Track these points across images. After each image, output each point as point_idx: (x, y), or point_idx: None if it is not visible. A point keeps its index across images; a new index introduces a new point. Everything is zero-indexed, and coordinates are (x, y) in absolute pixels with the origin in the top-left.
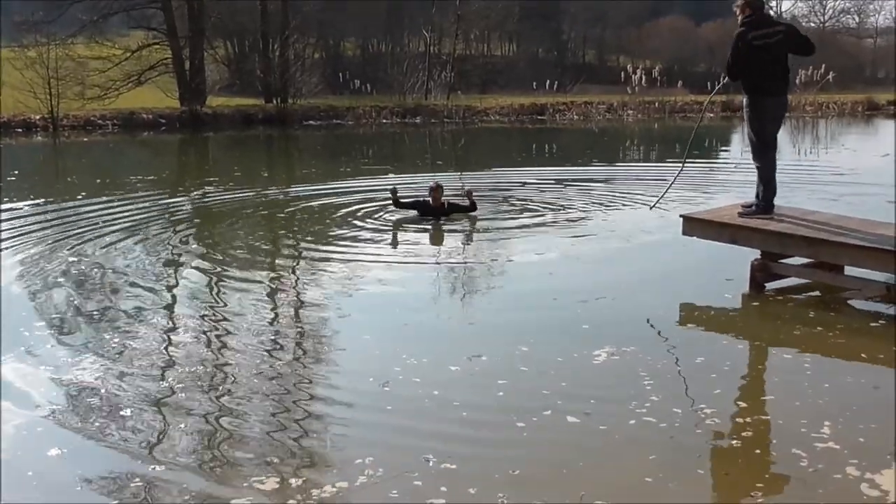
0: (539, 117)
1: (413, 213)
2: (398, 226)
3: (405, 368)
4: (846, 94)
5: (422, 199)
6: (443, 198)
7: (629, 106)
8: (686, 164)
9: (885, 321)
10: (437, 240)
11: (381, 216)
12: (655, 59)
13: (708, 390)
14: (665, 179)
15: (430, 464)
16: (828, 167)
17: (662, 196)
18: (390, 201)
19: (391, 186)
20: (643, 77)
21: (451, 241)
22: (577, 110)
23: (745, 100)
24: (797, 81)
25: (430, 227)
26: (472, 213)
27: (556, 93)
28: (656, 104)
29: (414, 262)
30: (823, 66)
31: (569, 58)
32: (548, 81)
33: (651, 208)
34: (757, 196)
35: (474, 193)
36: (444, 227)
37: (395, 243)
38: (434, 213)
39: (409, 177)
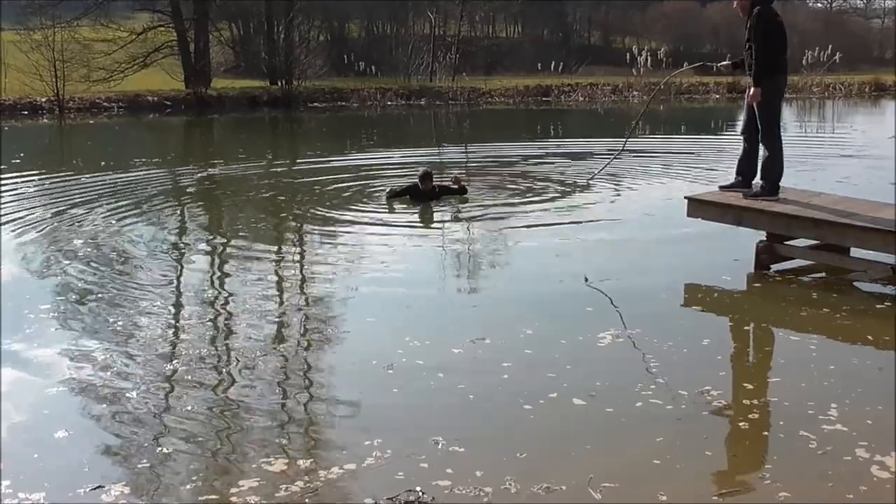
0: (544, 99)
1: (405, 197)
2: (392, 208)
3: (408, 351)
4: (853, 75)
5: (413, 185)
6: (433, 183)
7: (634, 87)
8: (636, 137)
9: (890, 303)
10: (440, 222)
11: (378, 197)
12: (661, 41)
13: (714, 372)
14: (670, 153)
15: (439, 446)
16: (835, 148)
17: (601, 171)
18: (389, 189)
19: (388, 189)
20: (648, 58)
21: (455, 223)
22: (582, 92)
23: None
24: (804, 62)
25: (430, 208)
26: (463, 196)
27: (562, 74)
28: (661, 86)
29: (417, 244)
30: (830, 46)
31: (574, 39)
32: (553, 63)
33: (588, 181)
34: (762, 177)
35: (466, 179)
36: (447, 209)
37: (391, 209)
38: (425, 198)
39: (414, 152)
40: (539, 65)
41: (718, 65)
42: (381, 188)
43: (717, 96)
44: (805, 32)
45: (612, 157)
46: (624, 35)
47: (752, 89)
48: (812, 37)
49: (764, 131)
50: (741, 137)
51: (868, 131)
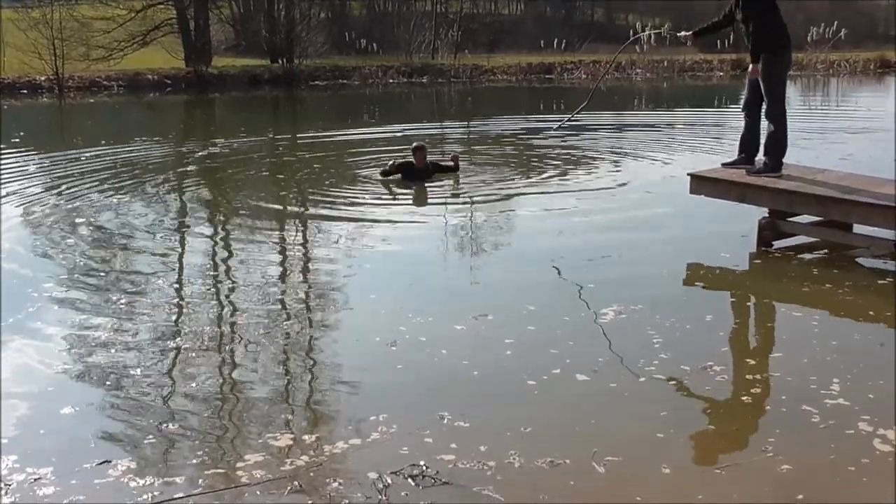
0: (547, 76)
1: (398, 177)
2: (389, 186)
3: (411, 328)
4: (858, 52)
5: (405, 161)
6: (427, 158)
7: (638, 65)
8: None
9: (892, 279)
10: (441, 198)
11: (374, 174)
12: (665, 18)
13: (716, 348)
14: (673, 129)
15: (444, 421)
16: (838, 124)
17: (566, 121)
18: (390, 164)
19: (389, 161)
20: (652, 36)
21: (456, 200)
22: (585, 69)
23: (765, 58)
24: (808, 39)
25: (424, 187)
26: (456, 174)
27: (565, 52)
28: (665, 63)
29: (419, 221)
30: (835, 23)
31: (577, 16)
32: (555, 40)
33: (555, 129)
34: (766, 154)
35: (460, 157)
36: (446, 186)
37: (393, 195)
38: (419, 175)
39: (414, 127)
40: (542, 42)
41: (679, 35)
42: (381, 165)
43: (721, 73)
44: (810, 10)
45: (577, 110)
46: (627, 12)
47: (753, 66)
48: (818, 14)
49: (769, 108)
50: (743, 114)
51: (872, 108)
